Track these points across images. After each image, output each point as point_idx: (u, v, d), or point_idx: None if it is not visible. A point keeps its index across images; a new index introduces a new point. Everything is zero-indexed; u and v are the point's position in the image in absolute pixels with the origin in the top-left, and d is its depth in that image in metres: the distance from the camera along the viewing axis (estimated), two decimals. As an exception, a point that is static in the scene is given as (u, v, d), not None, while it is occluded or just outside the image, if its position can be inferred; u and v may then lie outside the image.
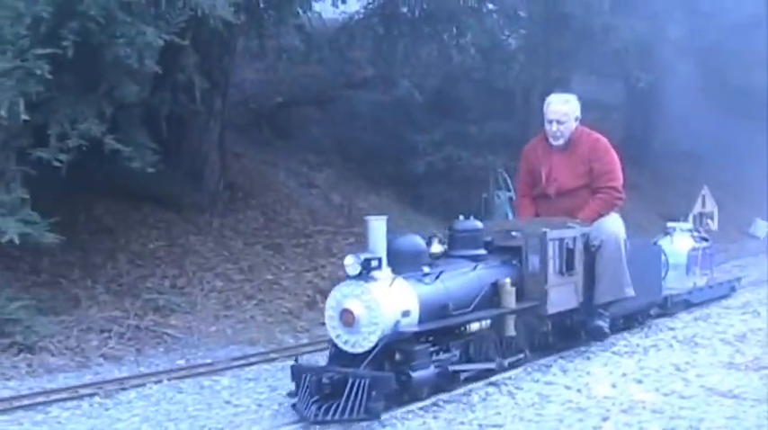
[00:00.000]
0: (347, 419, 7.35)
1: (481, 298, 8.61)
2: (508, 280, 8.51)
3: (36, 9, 9.79)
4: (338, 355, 7.55)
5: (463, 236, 9.26)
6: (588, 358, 9.73)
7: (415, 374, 7.71)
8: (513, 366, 9.21)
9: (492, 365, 8.77)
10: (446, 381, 8.33)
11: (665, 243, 12.68)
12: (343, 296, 7.76)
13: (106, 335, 10.64)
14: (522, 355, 9.35)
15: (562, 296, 9.46)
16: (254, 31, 14.28)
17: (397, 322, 7.68)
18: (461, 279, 8.69)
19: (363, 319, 7.63)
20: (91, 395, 8.39)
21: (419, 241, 8.59)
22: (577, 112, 9.84)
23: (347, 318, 7.70)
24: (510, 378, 8.82)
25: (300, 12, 14.11)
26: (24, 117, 9.65)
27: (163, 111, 12.27)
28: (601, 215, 9.63)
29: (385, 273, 7.83)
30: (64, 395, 8.39)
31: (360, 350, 7.70)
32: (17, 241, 9.80)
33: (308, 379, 7.60)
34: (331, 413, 7.41)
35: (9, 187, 10.24)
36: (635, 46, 19.00)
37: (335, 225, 15.82)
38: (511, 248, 9.42)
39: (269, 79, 19.98)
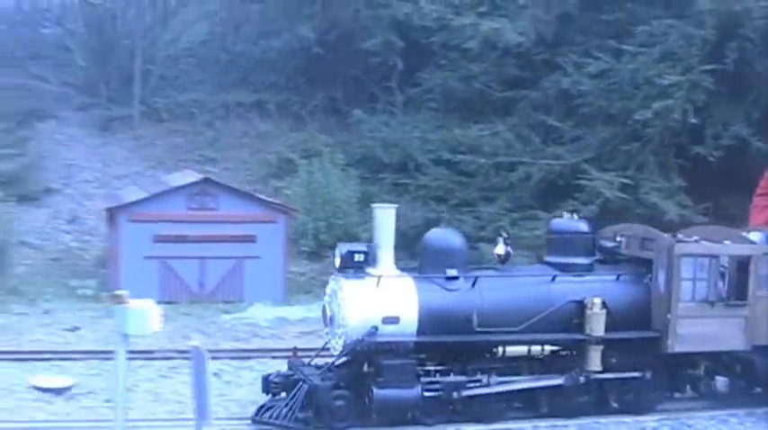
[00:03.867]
0: (275, 424, 7.20)
1: (546, 317, 7.58)
2: (598, 299, 7.61)
3: (704, 32, 13.57)
4: None
5: (558, 238, 8.16)
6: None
7: (380, 392, 7.02)
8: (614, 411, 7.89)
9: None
10: (478, 411, 7.39)
11: None
12: (328, 292, 7.55)
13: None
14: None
15: (709, 332, 7.74)
16: None
17: (374, 329, 7.19)
18: (514, 290, 7.68)
19: (336, 319, 7.32)
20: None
21: (453, 238, 7.82)
22: None
23: (324, 314, 7.58)
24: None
25: None
26: (692, 120, 13.54)
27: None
28: None
29: (382, 269, 7.34)
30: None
31: (335, 352, 7.46)
32: (676, 220, 13.66)
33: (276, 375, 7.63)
34: (267, 414, 7.35)
35: (669, 176, 14.25)
36: None
37: None
38: (644, 261, 8.08)
39: None
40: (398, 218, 15.21)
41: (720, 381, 8.32)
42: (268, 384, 7.36)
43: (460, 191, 15.53)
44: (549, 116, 15.14)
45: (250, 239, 13.58)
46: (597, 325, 7.44)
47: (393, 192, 16.41)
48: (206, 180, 13.70)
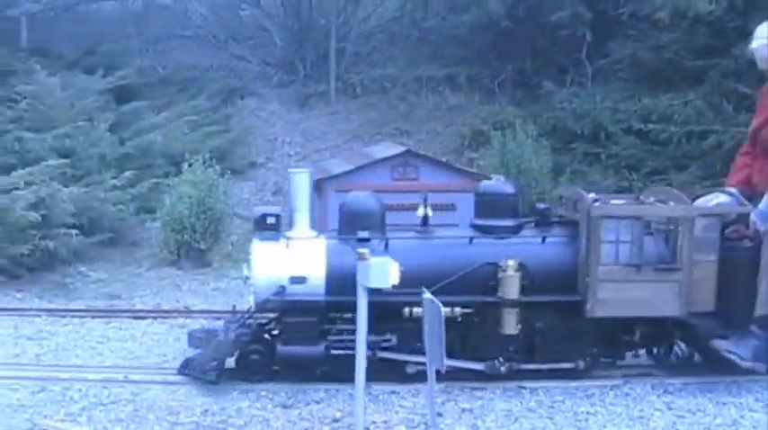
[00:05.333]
0: (189, 375, 7.97)
1: (459, 280, 7.74)
2: (511, 262, 7.71)
3: None
4: None
5: (483, 200, 8.29)
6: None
7: (283, 348, 7.73)
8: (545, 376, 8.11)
9: (470, 365, 7.91)
10: (394, 371, 7.85)
11: None
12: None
13: None
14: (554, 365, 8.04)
15: (635, 297, 7.57)
16: None
17: (281, 288, 7.77)
18: (427, 252, 7.98)
19: (249, 280, 7.94)
20: None
21: (369, 201, 8.28)
22: None
23: (244, 275, 8.15)
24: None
25: None
26: None
27: None
28: None
29: (296, 231, 7.93)
30: None
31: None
32: None
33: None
34: (187, 367, 8.05)
35: None
36: None
37: None
38: (574, 224, 7.93)
39: None
40: (592, 185, 16.17)
41: (677, 350, 8.31)
42: (192, 339, 8.09)
43: (652, 159, 16.14)
44: (740, 84, 15.52)
45: (451, 207, 14.46)
46: (510, 287, 7.46)
47: (584, 162, 17.16)
48: (408, 152, 14.69)
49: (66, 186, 15.72)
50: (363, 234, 7.87)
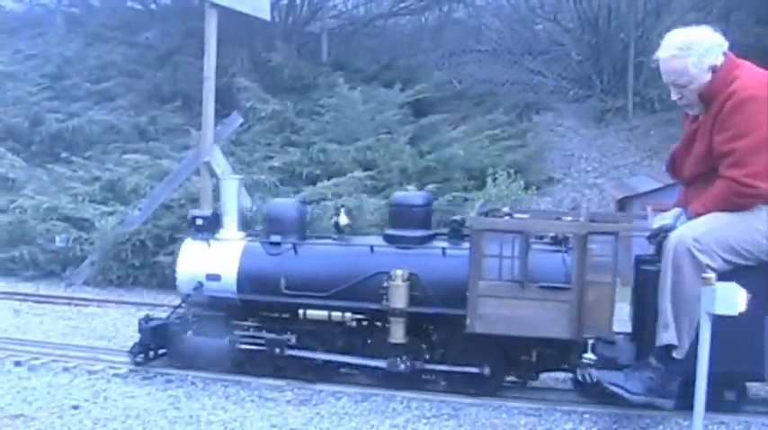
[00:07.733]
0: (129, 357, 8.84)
1: (354, 286, 8.02)
2: (400, 271, 7.76)
3: None
4: None
5: (393, 211, 8.42)
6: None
7: (192, 340, 8.46)
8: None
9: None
10: (287, 365, 8.39)
11: None
12: None
13: None
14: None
15: (520, 315, 7.11)
16: None
17: (200, 284, 8.43)
18: (330, 259, 8.27)
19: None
20: None
21: (288, 208, 8.62)
22: (707, 59, 7.01)
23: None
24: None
25: None
26: None
27: None
28: (708, 211, 6.86)
29: (224, 233, 8.63)
30: None
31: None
32: None
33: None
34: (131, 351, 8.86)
35: None
36: None
37: None
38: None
39: None
40: None
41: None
42: (139, 325, 8.79)
43: None
44: None
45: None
46: (397, 297, 7.60)
47: None
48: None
49: (370, 198, 16.17)
50: (275, 238, 8.36)
